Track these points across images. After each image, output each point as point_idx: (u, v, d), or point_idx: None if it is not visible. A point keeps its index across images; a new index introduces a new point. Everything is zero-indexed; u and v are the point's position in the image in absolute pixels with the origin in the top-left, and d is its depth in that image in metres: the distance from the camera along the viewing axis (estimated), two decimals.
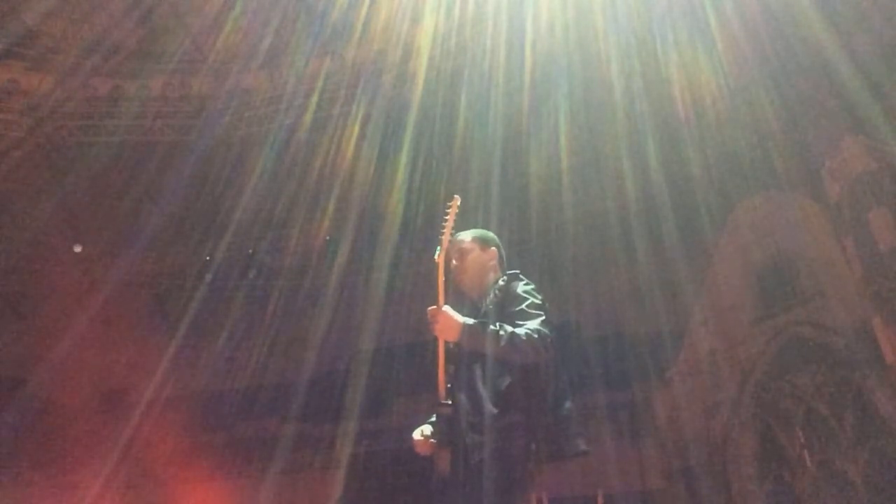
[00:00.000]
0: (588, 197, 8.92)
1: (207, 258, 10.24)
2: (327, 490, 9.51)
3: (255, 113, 8.97)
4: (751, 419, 7.56)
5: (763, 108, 6.92)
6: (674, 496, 7.81)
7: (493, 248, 3.09)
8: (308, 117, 8.77)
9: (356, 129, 8.69)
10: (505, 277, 2.91)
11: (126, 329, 10.08)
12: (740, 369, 7.71)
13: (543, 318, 2.66)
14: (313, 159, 8.94)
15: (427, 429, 2.82)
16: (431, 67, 8.20)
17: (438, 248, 2.77)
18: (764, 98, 6.86)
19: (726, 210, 8.04)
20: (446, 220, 2.80)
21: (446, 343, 2.70)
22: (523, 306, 2.69)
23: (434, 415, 2.79)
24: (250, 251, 10.44)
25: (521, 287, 2.79)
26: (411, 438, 2.82)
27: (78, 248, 9.83)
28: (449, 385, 2.71)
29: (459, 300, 2.91)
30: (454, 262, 2.98)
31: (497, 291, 2.84)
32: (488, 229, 3.22)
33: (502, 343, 2.53)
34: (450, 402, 2.68)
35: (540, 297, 2.76)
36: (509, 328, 2.58)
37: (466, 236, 3.07)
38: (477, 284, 2.98)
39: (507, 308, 2.73)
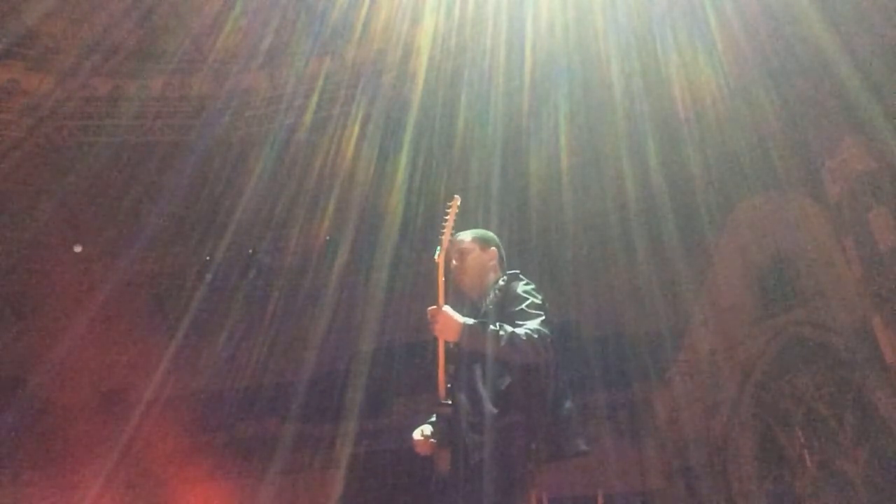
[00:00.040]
0: (588, 197, 8.91)
1: (207, 258, 10.23)
2: (327, 490, 9.51)
3: (255, 113, 8.97)
4: (751, 419, 7.56)
5: (763, 108, 6.91)
6: (674, 496, 7.80)
7: (493, 248, 3.10)
8: (308, 117, 8.77)
9: (356, 129, 8.68)
10: (505, 277, 2.91)
11: (126, 329, 10.08)
12: (740, 369, 7.71)
13: (543, 318, 2.67)
14: (313, 159, 8.94)
15: (427, 429, 2.83)
16: (431, 67, 8.20)
17: (438, 248, 2.78)
18: (764, 98, 6.85)
19: (726, 210, 8.03)
20: (446, 220, 2.81)
21: (446, 343, 2.71)
22: (523, 306, 2.70)
23: (434, 415, 2.80)
24: (250, 251, 10.44)
25: (521, 287, 2.80)
26: (411, 438, 2.83)
27: (78, 248, 9.82)
28: (449, 385, 2.72)
29: (459, 300, 2.92)
30: (454, 262, 2.98)
31: (497, 291, 2.85)
32: (488, 229, 3.23)
33: (502, 343, 2.54)
34: (450, 402, 2.68)
35: (540, 297, 2.77)
36: (509, 328, 2.58)
37: (466, 236, 3.08)
38: (477, 284, 2.98)
39: (508, 308, 2.74)
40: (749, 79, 6.89)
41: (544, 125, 8.33)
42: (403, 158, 8.70)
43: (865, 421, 6.58)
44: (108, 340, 9.86)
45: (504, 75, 8.06)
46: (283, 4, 8.30)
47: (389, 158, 8.86)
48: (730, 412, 7.67)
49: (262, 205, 9.61)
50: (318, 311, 10.07)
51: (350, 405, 9.83)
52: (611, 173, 8.66)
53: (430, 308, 2.69)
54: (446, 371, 2.71)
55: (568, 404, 2.70)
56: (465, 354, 2.67)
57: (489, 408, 2.53)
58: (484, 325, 2.61)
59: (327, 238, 10.04)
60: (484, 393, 2.57)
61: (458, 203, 2.84)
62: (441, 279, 2.70)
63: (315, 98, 8.70)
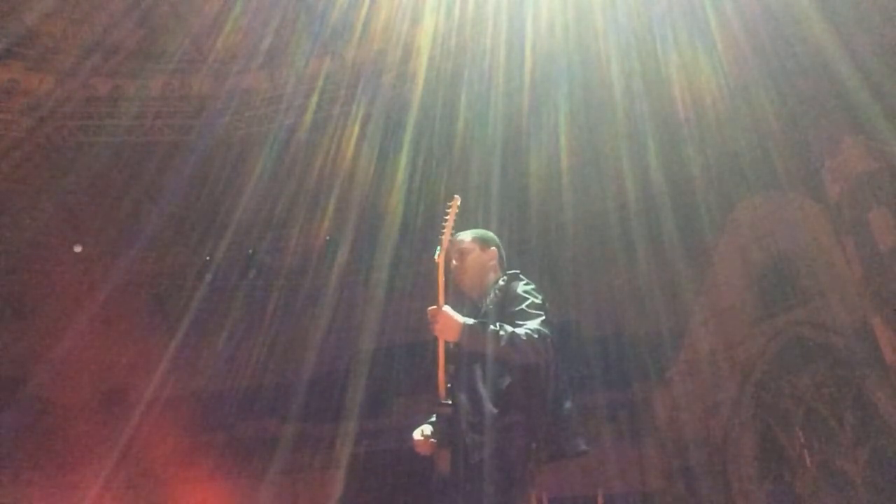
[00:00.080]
0: (588, 197, 8.92)
1: (207, 258, 10.24)
2: (327, 490, 9.51)
3: (255, 113, 8.96)
4: (751, 419, 7.56)
5: (763, 108, 6.91)
6: (674, 496, 7.80)
7: (493, 248, 3.10)
8: (308, 117, 8.77)
9: (356, 129, 8.68)
10: (505, 277, 2.91)
11: (126, 329, 10.08)
12: (740, 369, 7.70)
13: (544, 318, 2.67)
14: (313, 159, 8.94)
15: (427, 429, 2.82)
16: (431, 67, 8.19)
17: (438, 248, 2.78)
18: (764, 98, 6.85)
19: (726, 210, 8.03)
20: (446, 220, 2.81)
21: (446, 343, 2.71)
22: (523, 306, 2.70)
23: (434, 415, 2.80)
24: (250, 251, 10.44)
25: (521, 287, 2.80)
26: (411, 438, 2.83)
27: (78, 248, 9.82)
28: (449, 385, 2.72)
29: (459, 300, 2.92)
30: (454, 262, 2.98)
31: (497, 291, 2.85)
32: (488, 229, 3.23)
33: (502, 343, 2.54)
34: (450, 402, 2.68)
35: (540, 296, 2.77)
36: (509, 328, 2.58)
37: (466, 236, 3.08)
38: (477, 284, 2.98)
39: (508, 308, 2.74)
40: (749, 79, 6.89)
41: (544, 125, 8.32)
42: (403, 158, 8.70)
43: (865, 421, 6.58)
44: (108, 340, 9.87)
45: (504, 75, 8.06)
46: (283, 4, 8.30)
47: (389, 158, 8.86)
48: (730, 412, 7.67)
49: (262, 205, 9.61)
50: (318, 311, 10.07)
51: (350, 405, 9.83)
52: (611, 173, 8.66)
53: (430, 308, 2.68)
54: (446, 371, 2.71)
55: (568, 404, 2.70)
56: (465, 354, 2.67)
57: (489, 408, 2.53)
58: (484, 325, 2.61)
59: (327, 238, 10.05)
60: (484, 393, 2.57)
61: (458, 203, 2.84)
62: (441, 279, 2.70)
63: (315, 98, 8.70)
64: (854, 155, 6.08)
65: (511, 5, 7.75)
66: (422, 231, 9.04)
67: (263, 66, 8.81)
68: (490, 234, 3.16)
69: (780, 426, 7.33)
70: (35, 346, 9.73)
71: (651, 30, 7.25)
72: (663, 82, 7.45)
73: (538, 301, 2.73)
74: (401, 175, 8.86)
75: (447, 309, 2.65)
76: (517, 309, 2.69)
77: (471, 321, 2.65)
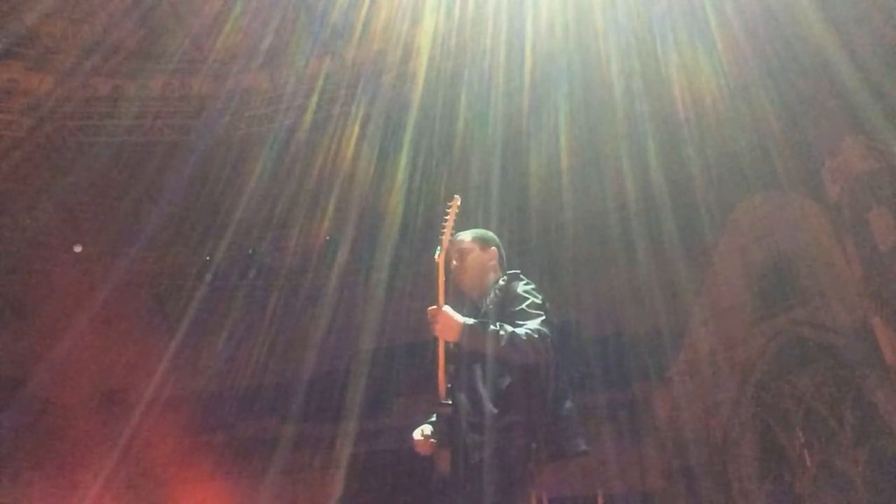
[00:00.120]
0: (588, 197, 8.91)
1: (207, 258, 10.24)
2: (327, 490, 9.51)
3: (255, 113, 8.96)
4: (751, 419, 7.56)
5: (763, 108, 6.90)
6: (674, 496, 7.80)
7: (493, 247, 3.10)
8: (308, 117, 8.76)
9: (356, 129, 8.68)
10: (505, 277, 2.92)
11: (126, 329, 10.07)
12: (740, 369, 7.70)
13: (544, 317, 2.67)
14: (313, 159, 8.94)
15: (427, 428, 2.83)
16: (431, 67, 8.19)
17: (438, 248, 2.78)
18: (764, 98, 6.84)
19: (726, 210, 8.03)
20: (446, 220, 2.81)
21: (446, 343, 2.71)
22: (523, 306, 2.70)
23: (434, 415, 2.80)
24: (250, 251, 10.44)
25: (521, 287, 2.80)
26: (411, 438, 2.83)
27: (78, 248, 9.82)
28: (449, 385, 2.72)
29: (459, 300, 2.93)
30: (454, 262, 2.98)
31: (497, 291, 2.85)
32: (488, 229, 3.23)
33: (502, 343, 2.54)
34: (450, 402, 2.68)
35: (540, 296, 2.77)
36: (509, 328, 2.58)
37: (466, 236, 3.08)
38: (477, 284, 2.99)
39: (508, 308, 2.74)
40: (749, 79, 6.88)
41: (544, 125, 8.32)
42: (403, 158, 8.70)
43: (865, 421, 6.58)
44: (108, 340, 9.86)
45: (504, 75, 8.06)
46: (283, 4, 8.30)
47: (389, 158, 8.86)
48: (730, 412, 7.67)
49: (262, 205, 9.61)
50: (318, 311, 10.07)
51: (350, 405, 9.83)
52: (611, 173, 8.65)
53: (430, 308, 2.68)
54: (446, 371, 2.71)
55: (568, 404, 2.70)
56: (466, 354, 2.67)
57: (489, 408, 2.54)
58: (484, 324, 2.61)
59: (327, 238, 10.05)
60: (484, 393, 2.57)
61: (458, 203, 2.84)
62: (441, 279, 2.70)
63: (315, 98, 8.69)
64: (854, 155, 6.07)
65: (511, 5, 7.75)
66: (422, 231, 9.03)
67: (263, 66, 8.80)
68: (490, 234, 3.16)
69: (780, 426, 7.33)
70: (35, 346, 9.72)
71: (651, 30, 7.24)
72: (663, 82, 7.45)
73: (538, 301, 2.73)
74: (401, 175, 8.86)
75: (447, 309, 2.65)
76: (517, 309, 2.69)
77: (471, 321, 2.65)
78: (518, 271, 2.91)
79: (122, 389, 10.26)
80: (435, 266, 2.73)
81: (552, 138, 8.35)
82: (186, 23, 8.36)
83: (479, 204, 8.02)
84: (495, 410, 2.53)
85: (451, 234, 2.85)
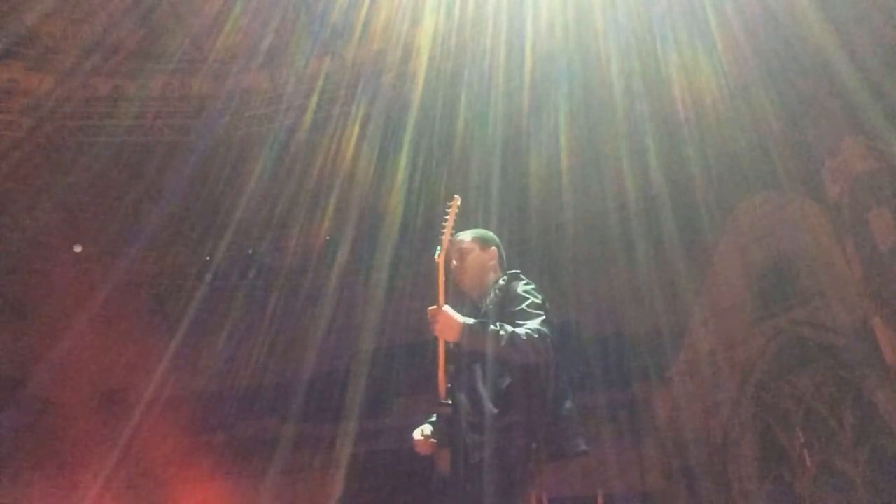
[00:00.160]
0: (588, 197, 8.91)
1: (207, 258, 10.24)
2: (327, 490, 9.51)
3: (255, 113, 8.96)
4: (751, 419, 7.56)
5: (763, 108, 6.90)
6: (674, 496, 7.80)
7: (493, 247, 3.09)
8: (308, 117, 8.77)
9: (356, 129, 8.68)
10: (505, 277, 2.91)
11: (126, 329, 10.07)
12: (740, 369, 7.70)
13: (544, 317, 2.66)
14: (313, 159, 8.94)
15: (427, 428, 2.82)
16: (431, 67, 8.19)
17: (438, 248, 2.78)
18: (764, 98, 6.84)
19: (726, 210, 8.03)
20: (446, 220, 2.81)
21: (446, 343, 2.71)
22: (523, 306, 2.69)
23: (434, 415, 2.80)
24: (250, 251, 10.44)
25: (521, 287, 2.80)
26: (411, 438, 2.83)
27: (78, 248, 9.82)
28: (449, 385, 2.72)
29: (459, 300, 2.92)
30: (454, 262, 2.98)
31: (497, 291, 2.85)
32: (488, 229, 3.23)
33: (502, 343, 2.54)
34: (450, 402, 2.68)
35: (540, 296, 2.77)
36: (510, 328, 2.58)
37: (466, 236, 3.08)
38: (477, 284, 2.98)
39: (508, 308, 2.73)
40: (749, 79, 6.88)
41: (544, 125, 8.32)
42: (403, 158, 8.70)
43: (865, 421, 6.58)
44: (108, 340, 9.86)
45: (504, 75, 8.06)
46: (283, 4, 8.30)
47: (389, 158, 8.86)
48: (730, 412, 7.67)
49: (262, 205, 9.61)
50: (318, 311, 10.07)
51: (350, 405, 9.83)
52: (611, 173, 8.65)
53: (430, 308, 2.68)
54: (446, 371, 2.71)
55: (568, 404, 2.69)
56: (466, 354, 2.67)
57: (489, 408, 2.53)
58: (484, 324, 2.61)
59: (327, 238, 10.05)
60: (484, 393, 2.57)
61: (458, 203, 2.84)
62: (441, 279, 2.70)
63: (315, 98, 8.70)
64: (854, 155, 6.07)
65: (511, 5, 7.75)
66: (422, 231, 9.03)
67: (263, 66, 8.81)
68: (490, 233, 3.16)
69: (780, 426, 7.33)
70: (35, 346, 9.73)
71: (651, 30, 7.24)
72: (663, 82, 7.45)
73: (538, 301, 2.73)
74: (401, 175, 8.86)
75: (447, 309, 2.65)
76: (517, 309, 2.69)
77: (471, 321, 2.64)
78: (518, 271, 2.91)
79: (122, 389, 10.26)
80: (435, 266, 2.73)
81: (552, 138, 8.35)
82: (186, 23, 8.36)
83: (479, 204, 8.02)
84: (495, 410, 2.53)
85: (451, 234, 2.85)
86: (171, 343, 9.91)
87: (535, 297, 2.74)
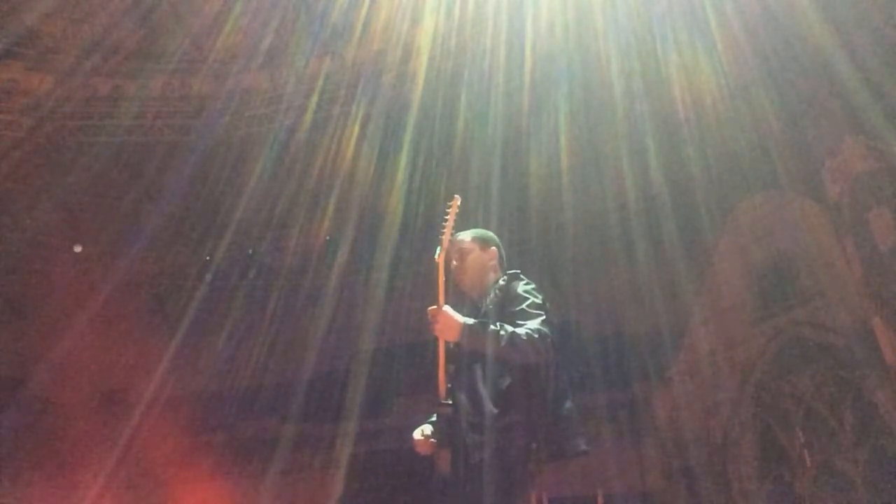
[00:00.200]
0: (588, 197, 8.91)
1: (207, 258, 10.24)
2: (327, 490, 9.51)
3: (255, 113, 8.96)
4: (751, 419, 7.56)
5: (763, 108, 6.90)
6: (674, 496, 7.80)
7: (493, 247, 3.09)
8: (308, 117, 8.77)
9: (356, 129, 8.68)
10: (505, 277, 2.91)
11: (126, 329, 10.08)
12: (740, 369, 7.70)
13: (544, 317, 2.66)
14: (313, 159, 8.94)
15: (427, 428, 2.82)
16: (431, 67, 8.20)
17: (438, 248, 2.78)
18: (764, 98, 6.84)
19: (726, 210, 8.03)
20: (446, 220, 2.81)
21: (446, 343, 2.70)
22: (524, 306, 2.69)
23: (434, 415, 2.80)
24: (250, 251, 10.44)
25: (521, 287, 2.80)
26: (411, 438, 2.83)
27: (78, 248, 9.83)
28: (449, 385, 2.72)
29: (460, 300, 2.92)
30: (454, 262, 2.98)
31: (497, 291, 2.85)
32: (488, 229, 3.23)
33: (503, 343, 2.53)
34: (450, 402, 2.68)
35: (540, 296, 2.77)
36: (510, 328, 2.58)
37: (466, 236, 3.08)
38: (477, 284, 2.98)
39: (508, 308, 2.73)
40: (749, 79, 6.88)
41: (544, 125, 8.32)
42: (403, 158, 8.70)
43: (865, 421, 6.58)
44: (108, 340, 9.86)
45: (504, 75, 8.06)
46: (283, 4, 8.30)
47: (389, 158, 8.86)
48: (730, 412, 7.67)
49: (262, 205, 9.61)
50: (318, 311, 10.07)
51: (350, 405, 9.83)
52: (611, 173, 8.66)
53: (430, 308, 2.68)
54: (446, 371, 2.71)
55: (568, 404, 2.69)
56: (466, 354, 2.67)
57: (489, 408, 2.53)
58: (484, 324, 2.61)
59: (327, 238, 10.05)
60: (484, 393, 2.57)
61: (458, 203, 2.84)
62: (441, 279, 2.70)
63: (315, 98, 8.70)
64: (854, 155, 6.07)
65: (511, 5, 7.75)
66: (422, 231, 9.03)
67: (263, 66, 8.81)
68: (490, 233, 3.16)
69: (780, 426, 7.33)
70: (35, 346, 9.73)
71: (651, 30, 7.24)
72: (663, 82, 7.45)
73: (538, 301, 2.73)
74: (401, 175, 8.86)
75: (447, 309, 2.65)
76: (517, 309, 2.69)
77: (471, 321, 2.64)
78: (518, 271, 2.91)
79: (122, 389, 10.26)
80: (435, 266, 2.73)
81: (552, 138, 8.35)
82: (186, 23, 8.36)
83: (479, 204, 8.02)
84: (495, 410, 2.53)
85: (451, 234, 2.85)
86: (171, 343, 9.91)
87: (536, 297, 2.74)
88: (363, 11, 8.15)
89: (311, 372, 9.98)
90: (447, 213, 2.81)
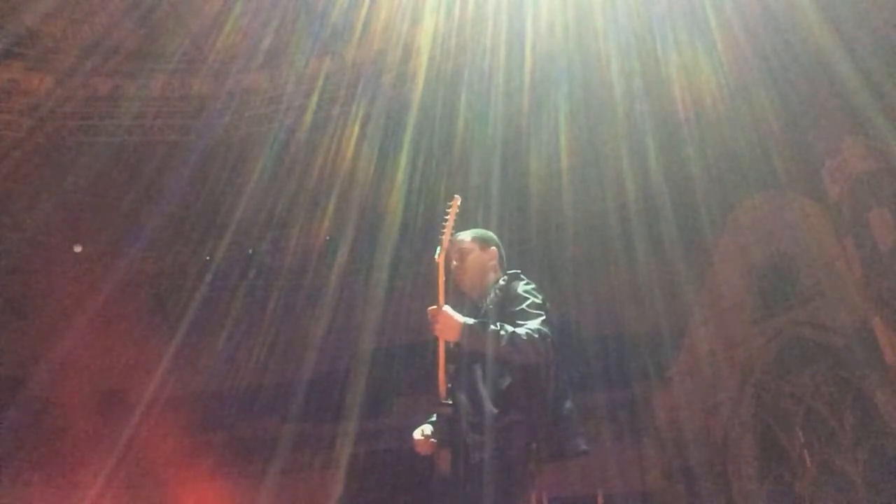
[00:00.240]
0: (588, 197, 8.92)
1: (207, 258, 10.25)
2: (327, 490, 9.51)
3: (255, 113, 8.97)
4: (751, 419, 7.56)
5: (763, 108, 6.90)
6: (674, 496, 7.80)
7: (493, 247, 3.09)
8: (308, 117, 8.77)
9: (356, 129, 8.69)
10: (505, 277, 2.91)
11: (126, 329, 10.08)
12: (740, 369, 7.70)
13: (544, 317, 2.66)
14: (313, 159, 8.94)
15: (427, 428, 2.82)
16: (431, 67, 8.20)
17: (438, 248, 2.77)
18: (764, 98, 6.84)
19: (726, 210, 8.03)
20: (446, 220, 2.80)
21: (446, 343, 2.70)
22: (524, 306, 2.69)
23: (434, 414, 2.80)
24: (250, 251, 10.44)
25: (521, 287, 2.79)
26: (411, 438, 2.83)
27: (78, 248, 9.83)
28: (449, 385, 2.71)
29: (460, 300, 2.92)
30: (454, 262, 2.98)
31: (497, 291, 2.85)
32: (488, 229, 3.22)
33: (503, 343, 2.53)
34: (450, 402, 2.68)
35: (540, 296, 2.76)
36: (510, 328, 2.57)
37: (466, 236, 3.07)
38: (477, 284, 2.98)
39: (508, 308, 2.73)
40: (749, 79, 6.88)
41: (544, 125, 8.33)
42: (403, 158, 8.71)
43: (865, 421, 6.58)
44: (108, 340, 9.86)
45: (504, 75, 8.07)
46: (283, 4, 8.30)
47: (389, 158, 8.86)
48: (730, 412, 7.67)
49: (261, 205, 9.61)
50: (318, 311, 10.07)
51: (350, 405, 9.84)
52: (611, 173, 8.66)
53: (430, 308, 2.68)
54: (446, 371, 2.70)
55: (568, 404, 2.69)
56: (466, 354, 2.66)
57: (489, 407, 2.53)
58: (484, 324, 2.60)
59: (327, 238, 10.05)
60: (484, 393, 2.56)
61: (458, 203, 2.84)
62: (441, 279, 2.70)
63: (315, 98, 8.70)
64: (854, 155, 6.07)
65: (511, 5, 7.75)
66: (422, 231, 9.03)
67: (263, 66, 8.81)
68: (490, 233, 3.16)
69: (780, 426, 7.33)
70: (35, 346, 9.73)
71: (651, 30, 7.25)
72: (663, 82, 7.45)
73: (538, 301, 2.73)
74: (401, 175, 8.86)
75: (447, 309, 2.65)
76: (517, 309, 2.69)
77: (471, 321, 2.64)
78: (518, 271, 2.91)
79: (122, 389, 10.26)
80: (435, 266, 2.73)
81: (552, 138, 8.36)
82: (186, 23, 8.37)
83: (479, 204, 8.02)
84: (495, 410, 2.52)
85: (451, 234, 2.85)
86: (171, 343, 9.91)
87: (536, 297, 2.74)
88: (363, 11, 8.16)
89: (311, 372, 9.98)
90: (447, 213, 2.81)
